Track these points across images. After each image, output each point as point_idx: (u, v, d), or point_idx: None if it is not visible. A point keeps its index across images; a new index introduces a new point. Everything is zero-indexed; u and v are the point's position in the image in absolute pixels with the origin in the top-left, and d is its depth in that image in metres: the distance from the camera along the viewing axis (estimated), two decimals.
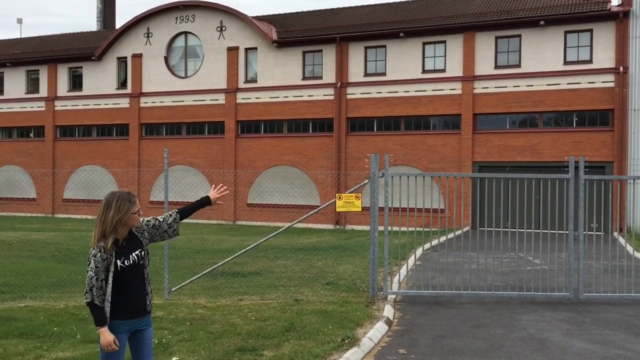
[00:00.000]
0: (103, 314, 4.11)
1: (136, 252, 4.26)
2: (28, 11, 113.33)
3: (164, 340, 7.07)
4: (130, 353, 4.42)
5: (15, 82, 34.81)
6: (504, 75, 25.26)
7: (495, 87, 25.37)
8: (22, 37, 39.94)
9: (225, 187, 4.73)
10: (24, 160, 34.45)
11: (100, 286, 4.10)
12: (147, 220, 4.45)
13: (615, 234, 20.06)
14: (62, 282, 11.60)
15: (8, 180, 34.20)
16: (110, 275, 4.13)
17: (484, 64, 25.58)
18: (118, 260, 4.16)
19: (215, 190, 4.69)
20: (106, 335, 4.08)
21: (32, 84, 34.61)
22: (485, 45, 25.57)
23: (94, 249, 4.14)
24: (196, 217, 29.68)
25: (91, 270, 4.10)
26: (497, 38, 25.49)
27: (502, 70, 25.36)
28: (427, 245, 15.72)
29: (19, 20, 43.03)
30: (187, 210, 4.57)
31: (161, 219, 4.47)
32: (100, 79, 32.76)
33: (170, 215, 4.49)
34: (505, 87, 25.21)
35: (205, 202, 4.62)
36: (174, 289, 10.09)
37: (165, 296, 9.81)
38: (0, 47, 37.14)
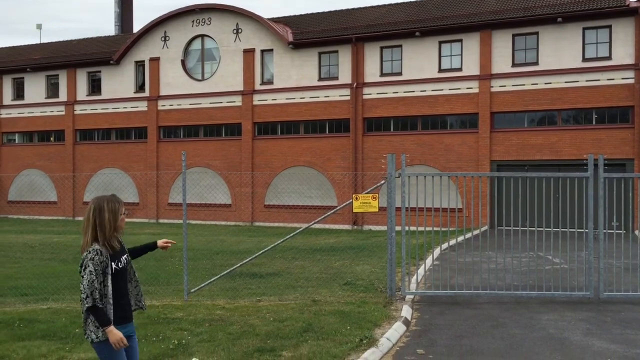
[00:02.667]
0: (106, 314, 4.14)
1: (124, 257, 4.40)
2: (47, 17, 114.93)
3: (183, 341, 7.14)
4: None
5: (36, 87, 35.32)
6: (521, 73, 25.07)
7: (513, 85, 25.18)
8: (42, 42, 40.50)
9: (172, 243, 5.01)
10: (45, 163, 34.94)
11: (100, 289, 4.14)
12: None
13: (637, 232, 19.79)
14: None
15: (29, 183, 34.72)
16: (109, 278, 4.19)
17: (501, 62, 25.40)
18: (113, 263, 4.25)
19: (164, 241, 4.95)
20: (115, 333, 4.11)
21: (52, 89, 35.09)
22: (502, 44, 25.40)
23: (89, 252, 4.17)
24: (214, 219, 29.89)
25: (90, 274, 4.11)
26: (514, 36, 25.30)
27: (519, 68, 25.17)
28: (444, 245, 15.67)
29: (39, 26, 43.60)
30: (136, 252, 4.77)
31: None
32: (118, 82, 33.11)
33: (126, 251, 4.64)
34: (523, 85, 25.02)
35: (152, 247, 4.88)
36: (193, 290, 10.16)
37: (184, 297, 9.89)
38: (20, 53, 37.72)
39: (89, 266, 4.12)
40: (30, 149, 35.68)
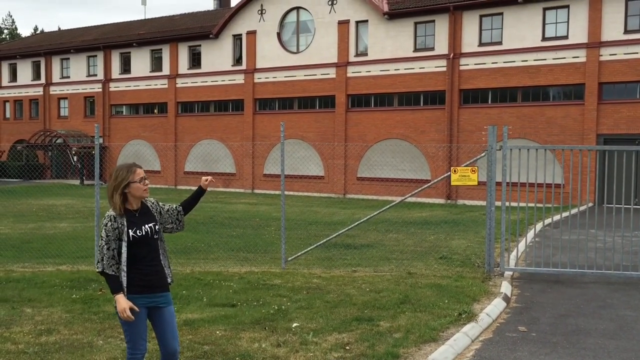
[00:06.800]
0: (117, 282, 4.12)
1: (149, 225, 4.27)
2: None
3: (283, 307, 7.35)
4: (155, 337, 4.41)
5: (141, 61, 37.07)
6: (635, 41, 23.29)
7: (625, 54, 23.48)
8: (146, 18, 42.33)
9: (211, 178, 4.79)
10: (149, 134, 36.80)
11: (112, 255, 4.12)
12: (162, 204, 4.52)
13: None
14: (186, 249, 12.36)
15: (135, 153, 36.71)
16: (124, 244, 4.15)
17: (612, 28, 23.71)
18: (130, 230, 4.17)
19: (207, 181, 4.73)
20: (121, 302, 4.06)
21: (156, 63, 36.68)
22: (613, 9, 23.66)
23: (104, 218, 4.20)
24: (307, 190, 30.34)
25: (101, 240, 4.15)
26: (627, 0, 23.49)
27: (633, 35, 23.38)
28: (546, 222, 15.05)
29: (143, 2, 45.56)
30: (188, 204, 4.62)
31: (173, 207, 4.52)
32: (217, 56, 34.08)
33: (176, 209, 4.52)
34: (637, 53, 23.24)
35: (200, 192, 4.67)
36: (290, 258, 10.41)
37: (282, 265, 10.16)
38: (127, 28, 39.68)
39: (102, 232, 4.18)
40: (136, 120, 37.65)
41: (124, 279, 4.15)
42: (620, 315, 7.32)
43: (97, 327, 6.59)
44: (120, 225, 4.17)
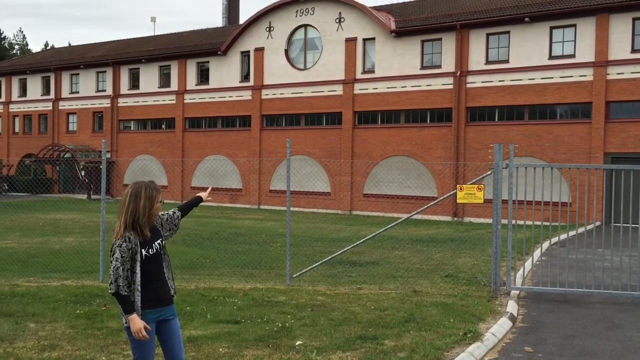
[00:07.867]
0: (130, 302, 4.11)
1: (158, 242, 4.31)
2: (160, 11, 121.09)
3: (287, 324, 7.31)
4: (162, 350, 4.42)
5: (150, 77, 37.35)
6: None
7: (632, 73, 23.46)
8: (155, 34, 42.74)
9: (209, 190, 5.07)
10: (156, 150, 36.96)
11: (126, 276, 4.11)
12: (162, 214, 4.52)
13: None
14: (192, 265, 12.34)
15: (142, 168, 36.86)
16: (138, 264, 4.15)
17: (619, 47, 23.73)
18: (143, 250, 4.18)
19: (206, 193, 4.97)
20: (136, 322, 4.07)
21: (164, 79, 36.95)
22: (620, 28, 23.70)
23: (119, 239, 4.14)
24: (313, 206, 30.31)
25: (116, 261, 4.10)
26: (634, 19, 23.54)
27: None
28: (553, 240, 14.95)
29: (153, 19, 46.05)
30: (185, 208, 4.75)
31: (171, 214, 4.58)
32: (225, 72, 34.31)
33: (175, 213, 4.61)
34: None
35: (198, 201, 4.89)
36: (295, 275, 10.38)
37: (287, 282, 10.12)
38: (136, 45, 40.05)
39: (115, 252, 4.12)
40: (143, 135, 37.85)
41: (138, 298, 4.15)
42: (627, 336, 7.24)
43: (101, 342, 6.57)
44: (134, 246, 4.16)
